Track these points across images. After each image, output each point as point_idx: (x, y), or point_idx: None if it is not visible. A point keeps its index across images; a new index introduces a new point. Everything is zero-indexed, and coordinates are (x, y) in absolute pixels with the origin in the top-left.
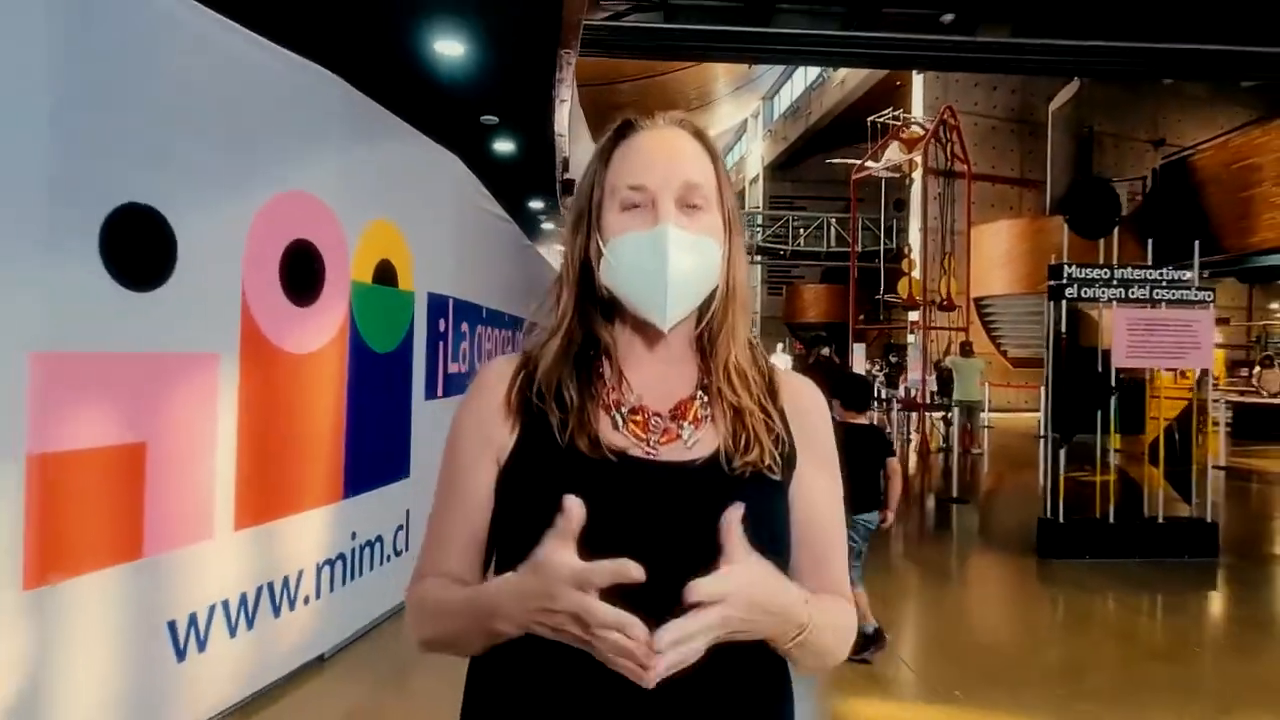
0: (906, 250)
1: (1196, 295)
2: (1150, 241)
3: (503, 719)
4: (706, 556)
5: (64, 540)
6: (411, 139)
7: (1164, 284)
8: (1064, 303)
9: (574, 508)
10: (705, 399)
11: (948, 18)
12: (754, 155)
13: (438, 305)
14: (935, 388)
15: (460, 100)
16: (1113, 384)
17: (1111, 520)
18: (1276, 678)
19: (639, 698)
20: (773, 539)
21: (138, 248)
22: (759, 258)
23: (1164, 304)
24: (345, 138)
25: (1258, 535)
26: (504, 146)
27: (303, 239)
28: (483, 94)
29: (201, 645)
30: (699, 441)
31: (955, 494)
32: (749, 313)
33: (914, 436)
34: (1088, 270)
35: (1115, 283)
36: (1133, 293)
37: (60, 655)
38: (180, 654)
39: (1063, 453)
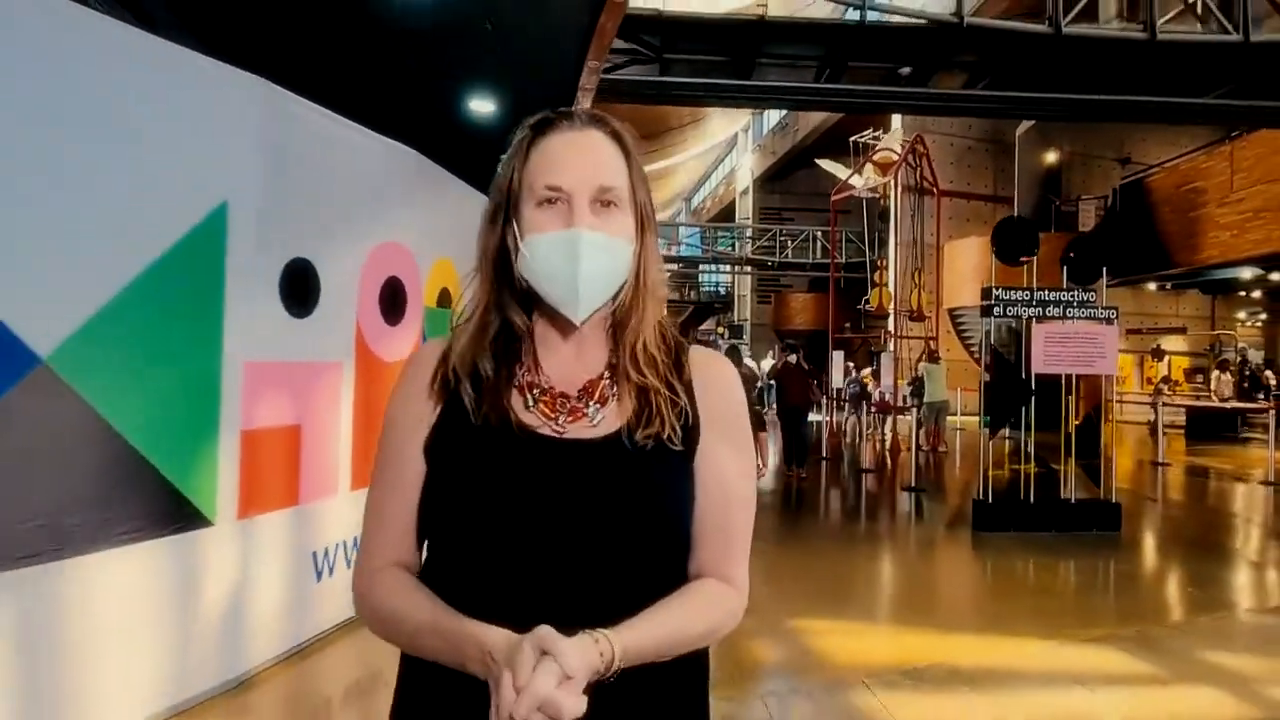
0: (880, 263)
1: (1102, 313)
2: (1065, 267)
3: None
4: (605, 527)
5: (258, 488)
6: (461, 189)
7: (1075, 303)
8: (993, 319)
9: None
10: (612, 379)
11: (905, 70)
12: (744, 168)
13: None
14: (909, 391)
15: (488, 143)
16: (1032, 387)
17: (1032, 501)
18: (1135, 607)
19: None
20: (674, 507)
21: (299, 288)
22: (749, 268)
23: (1076, 319)
24: (420, 197)
25: (1157, 514)
26: None
27: (394, 276)
28: (506, 139)
29: (330, 572)
30: (604, 419)
31: (915, 484)
32: (660, 301)
33: (888, 435)
34: (1011, 292)
35: (1035, 303)
36: (1049, 311)
37: (253, 568)
38: (318, 576)
39: (992, 444)
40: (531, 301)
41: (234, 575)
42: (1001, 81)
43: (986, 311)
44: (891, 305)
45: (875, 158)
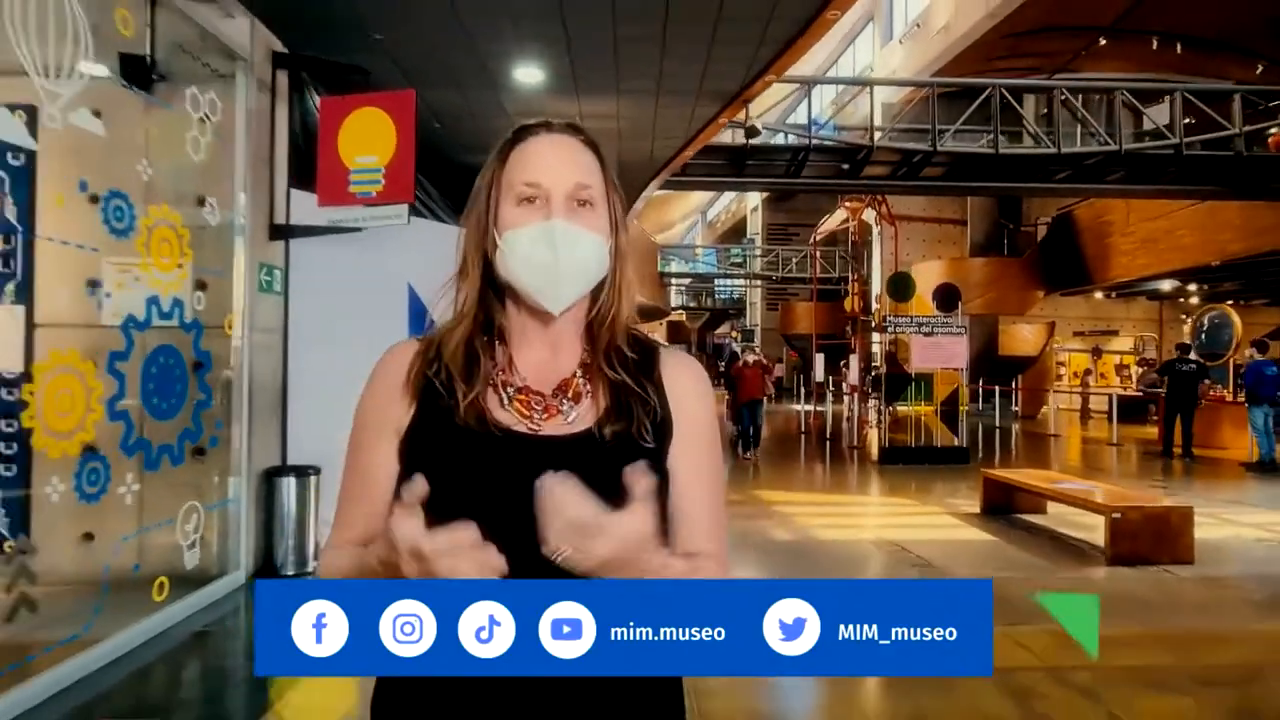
0: (854, 278)
1: (956, 330)
2: (935, 300)
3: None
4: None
5: None
6: None
7: (939, 323)
8: (887, 333)
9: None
10: (586, 376)
11: (845, 166)
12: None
13: None
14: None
15: None
16: (912, 377)
17: (913, 445)
18: (938, 488)
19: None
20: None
21: None
22: (758, 282)
23: (939, 334)
24: None
25: (1000, 457)
26: None
27: None
28: None
29: None
30: (578, 416)
31: (856, 444)
32: (633, 301)
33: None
34: (899, 317)
35: (913, 323)
36: (923, 328)
37: None
38: None
39: (889, 412)
40: (509, 302)
41: None
42: (907, 175)
43: (881, 329)
44: (859, 311)
45: (846, 202)
